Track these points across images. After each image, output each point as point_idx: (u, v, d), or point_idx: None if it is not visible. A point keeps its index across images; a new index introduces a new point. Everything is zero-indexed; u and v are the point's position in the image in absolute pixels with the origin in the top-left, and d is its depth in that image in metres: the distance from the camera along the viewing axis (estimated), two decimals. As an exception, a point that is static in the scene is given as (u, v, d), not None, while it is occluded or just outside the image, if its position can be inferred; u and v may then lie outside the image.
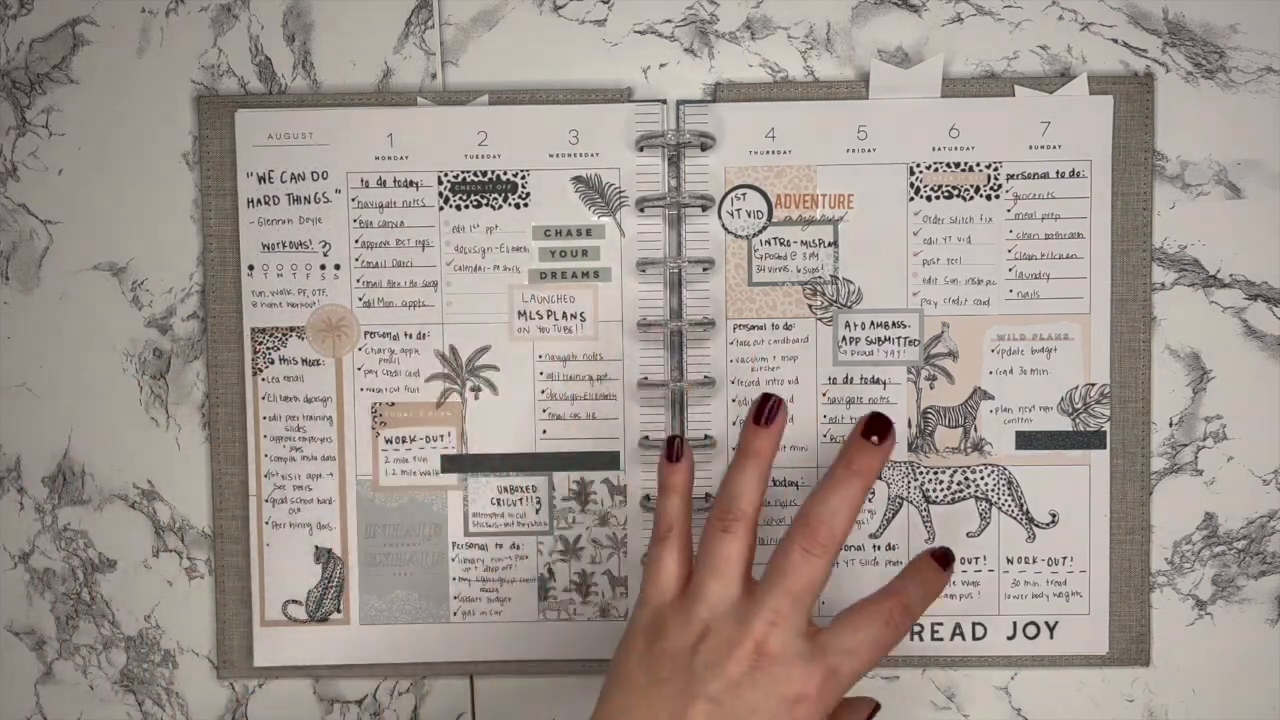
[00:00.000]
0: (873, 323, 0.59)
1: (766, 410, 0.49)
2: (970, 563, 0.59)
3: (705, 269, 0.58)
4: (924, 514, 0.59)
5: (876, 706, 0.49)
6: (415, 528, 0.59)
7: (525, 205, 0.58)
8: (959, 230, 0.58)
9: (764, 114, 0.58)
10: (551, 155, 0.58)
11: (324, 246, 0.59)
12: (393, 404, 0.59)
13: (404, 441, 0.59)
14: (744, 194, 0.59)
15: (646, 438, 0.59)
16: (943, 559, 0.49)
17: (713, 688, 0.44)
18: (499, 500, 0.59)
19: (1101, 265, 0.58)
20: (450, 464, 0.59)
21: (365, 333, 0.59)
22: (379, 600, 0.59)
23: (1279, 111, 0.58)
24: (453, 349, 0.59)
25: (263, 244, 0.59)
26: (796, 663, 0.45)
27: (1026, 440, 0.59)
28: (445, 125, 0.58)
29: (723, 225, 0.59)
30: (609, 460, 0.59)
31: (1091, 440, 0.59)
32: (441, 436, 0.59)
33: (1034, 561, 0.59)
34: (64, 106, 0.60)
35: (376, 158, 0.58)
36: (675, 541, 0.49)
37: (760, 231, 0.59)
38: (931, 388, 0.59)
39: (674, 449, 0.51)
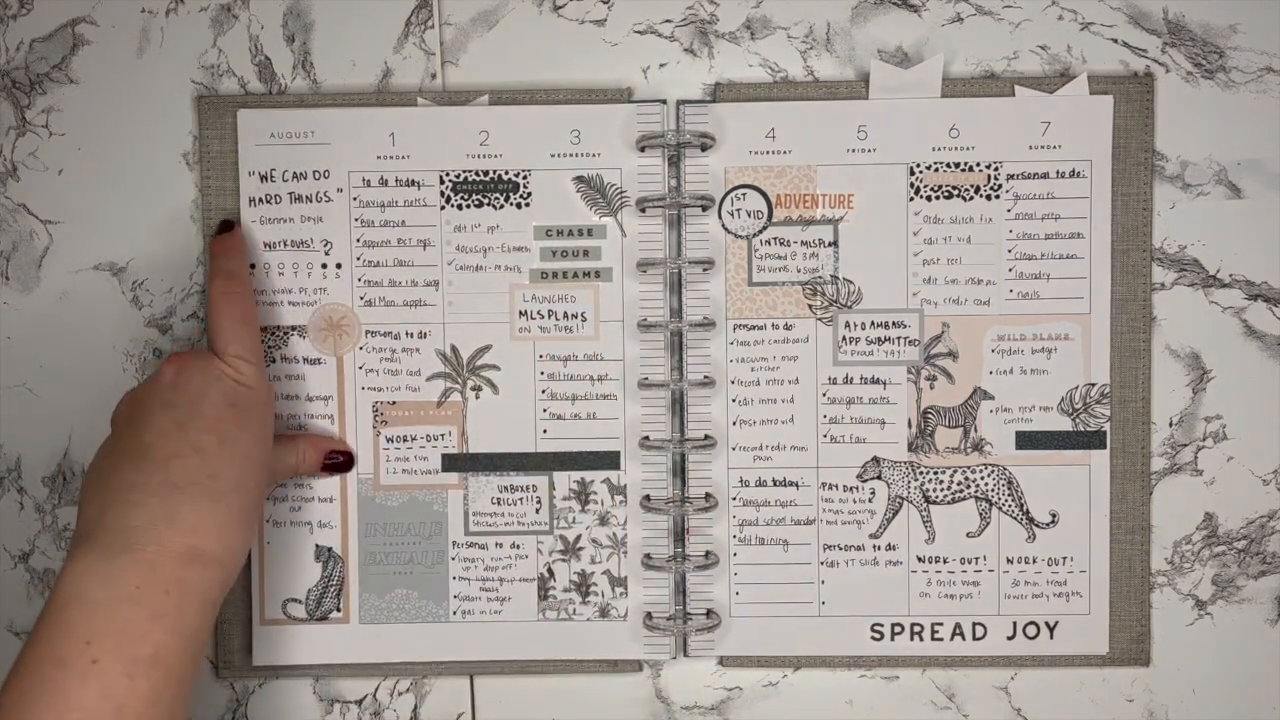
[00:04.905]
0: (873, 323, 0.59)
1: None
2: (970, 563, 0.59)
3: (705, 269, 0.58)
4: (924, 514, 0.59)
5: (335, 453, 0.58)
6: (415, 527, 0.59)
7: (527, 205, 0.58)
8: (959, 230, 0.59)
9: (764, 114, 0.58)
10: (553, 155, 0.58)
11: (325, 245, 0.59)
12: (394, 403, 0.59)
13: (405, 440, 0.59)
14: (744, 194, 0.59)
15: (647, 438, 0.59)
16: (220, 228, 0.58)
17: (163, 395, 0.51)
18: (499, 500, 0.59)
19: (1101, 265, 0.58)
20: (451, 463, 0.59)
21: (366, 332, 0.59)
22: (379, 599, 0.59)
23: (1279, 111, 0.58)
24: (454, 348, 0.59)
25: (264, 243, 0.59)
26: (207, 361, 0.52)
27: (1027, 440, 0.59)
28: (447, 125, 0.58)
29: (723, 225, 0.59)
30: (609, 460, 0.59)
31: (1091, 440, 0.59)
32: (442, 435, 0.59)
33: (1034, 561, 0.59)
34: (64, 106, 0.60)
35: (378, 157, 0.58)
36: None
37: (760, 231, 0.59)
38: (931, 388, 0.59)
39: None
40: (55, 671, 0.43)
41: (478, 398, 0.59)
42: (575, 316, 0.59)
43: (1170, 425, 0.59)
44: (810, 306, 0.59)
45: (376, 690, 0.61)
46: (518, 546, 0.59)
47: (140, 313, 0.60)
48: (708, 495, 0.59)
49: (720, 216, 0.59)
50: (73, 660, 0.43)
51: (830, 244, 0.59)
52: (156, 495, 0.47)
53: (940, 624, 0.59)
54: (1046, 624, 0.59)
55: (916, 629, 0.59)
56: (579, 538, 0.59)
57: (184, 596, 0.46)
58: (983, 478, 0.59)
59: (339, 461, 0.58)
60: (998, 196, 0.58)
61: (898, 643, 0.59)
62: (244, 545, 0.49)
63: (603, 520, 0.59)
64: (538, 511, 0.59)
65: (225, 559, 0.48)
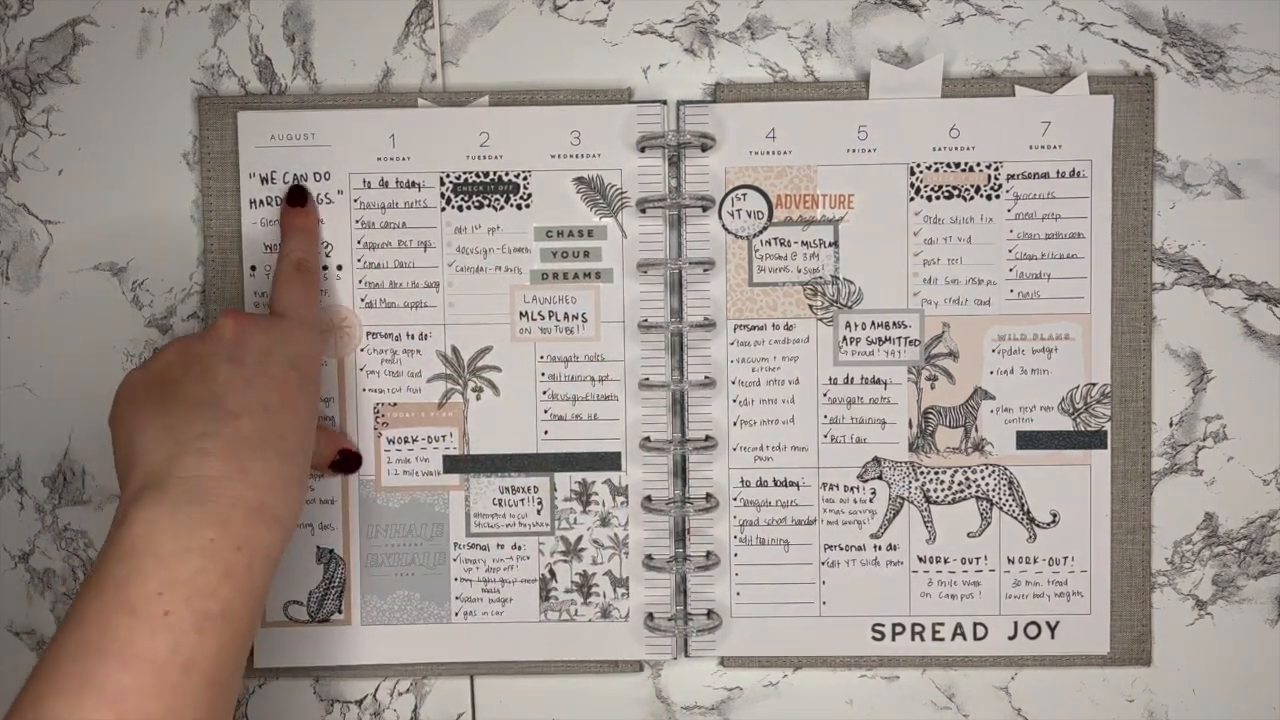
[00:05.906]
0: (873, 323, 0.59)
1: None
2: (971, 563, 0.59)
3: (706, 269, 0.58)
4: (925, 514, 0.59)
5: (347, 453, 0.58)
6: (417, 528, 0.59)
7: (527, 206, 0.58)
8: (959, 230, 0.59)
9: (764, 114, 0.58)
10: (553, 156, 0.58)
11: (326, 247, 0.59)
12: (395, 404, 0.59)
13: (406, 442, 0.59)
14: (744, 194, 0.59)
15: (648, 439, 0.59)
16: (292, 197, 0.58)
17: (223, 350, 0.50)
18: (500, 501, 0.59)
19: (1102, 265, 0.58)
20: (452, 464, 0.59)
21: (367, 333, 0.59)
22: (380, 601, 0.59)
23: (1279, 111, 0.58)
24: (454, 349, 0.59)
25: (265, 245, 0.59)
26: (269, 323, 0.52)
27: (1027, 440, 0.59)
28: (447, 126, 0.58)
29: (723, 226, 0.59)
30: (610, 461, 0.59)
31: (1092, 440, 0.59)
32: (443, 437, 0.59)
33: (1035, 561, 0.59)
34: (64, 106, 0.59)
35: (379, 158, 0.58)
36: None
37: (761, 232, 0.59)
38: (932, 388, 0.59)
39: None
40: (124, 619, 0.42)
41: (479, 399, 0.59)
42: (576, 317, 0.59)
43: (1170, 425, 0.59)
44: (811, 307, 0.59)
45: (376, 690, 0.61)
46: (519, 548, 0.59)
47: (140, 313, 0.60)
48: (708, 496, 0.59)
49: (720, 217, 0.59)
50: (144, 610, 0.42)
51: (830, 244, 0.59)
52: (229, 448, 0.46)
53: (941, 624, 0.59)
54: (1047, 624, 0.59)
55: (917, 629, 0.59)
56: (580, 539, 0.59)
57: (253, 554, 0.45)
58: (983, 478, 0.59)
59: (346, 460, 0.58)
60: (998, 196, 0.58)
61: (898, 643, 0.59)
62: (300, 508, 0.49)
63: (604, 521, 0.59)
64: (539, 512, 0.59)
65: (288, 519, 0.47)
